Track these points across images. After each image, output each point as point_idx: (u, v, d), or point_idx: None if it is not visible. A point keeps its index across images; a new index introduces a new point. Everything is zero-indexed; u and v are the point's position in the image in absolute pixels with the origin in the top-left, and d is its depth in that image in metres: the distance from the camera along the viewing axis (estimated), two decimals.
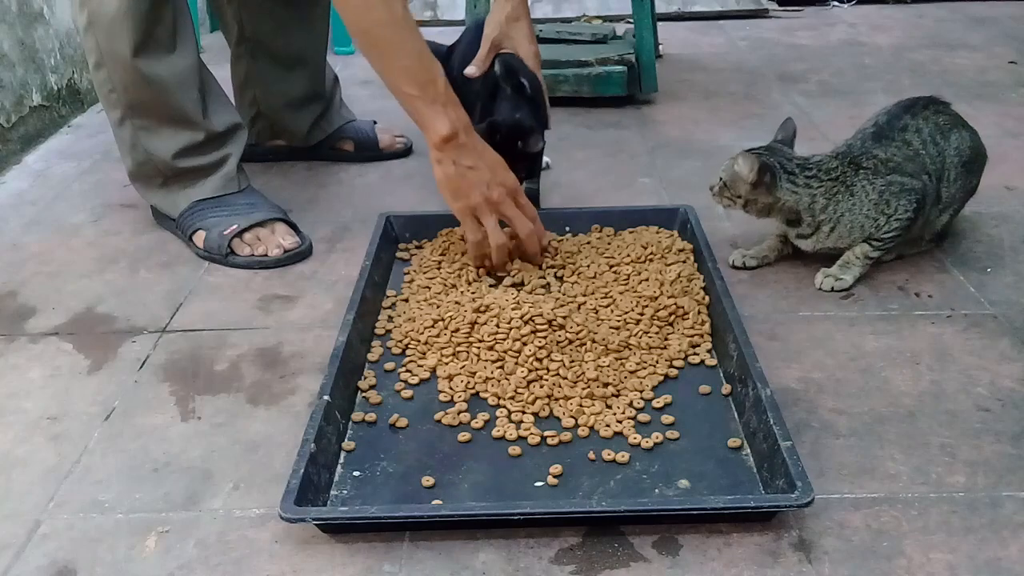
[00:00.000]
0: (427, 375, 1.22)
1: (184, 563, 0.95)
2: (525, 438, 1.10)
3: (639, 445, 1.08)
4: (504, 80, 1.57)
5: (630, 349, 1.25)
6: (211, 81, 1.61)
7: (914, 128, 1.43)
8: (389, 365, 1.25)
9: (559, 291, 1.37)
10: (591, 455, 1.07)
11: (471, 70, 1.60)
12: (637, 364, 1.22)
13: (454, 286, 1.41)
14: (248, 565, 0.94)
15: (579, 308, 1.32)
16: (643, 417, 1.13)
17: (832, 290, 1.41)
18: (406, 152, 1.98)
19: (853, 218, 1.39)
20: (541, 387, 1.17)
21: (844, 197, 1.39)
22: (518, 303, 1.28)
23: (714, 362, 1.24)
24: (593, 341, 1.24)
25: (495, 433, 1.11)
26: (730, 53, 2.77)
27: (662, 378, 1.20)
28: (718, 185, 1.44)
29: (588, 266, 1.44)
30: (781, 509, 0.96)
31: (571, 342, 1.24)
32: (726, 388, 1.18)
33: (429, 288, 1.41)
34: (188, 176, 1.59)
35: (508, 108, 1.54)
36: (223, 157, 1.60)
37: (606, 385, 1.18)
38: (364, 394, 1.19)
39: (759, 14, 3.20)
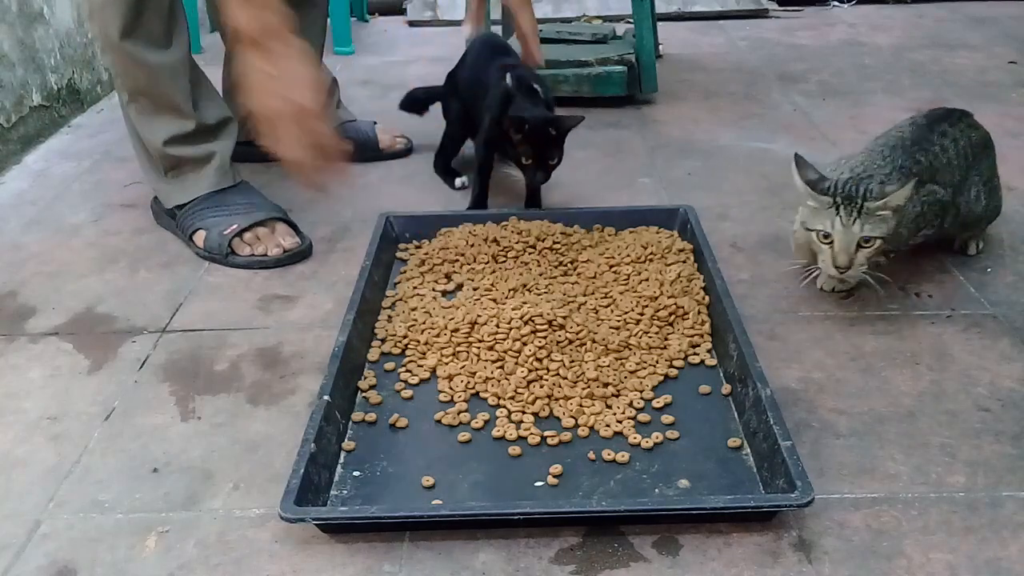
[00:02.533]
0: (427, 375, 1.22)
1: (184, 563, 0.95)
2: (525, 438, 1.10)
3: (639, 445, 1.08)
4: (517, 88, 1.61)
5: (630, 349, 1.25)
6: (202, 77, 1.63)
7: (952, 136, 1.40)
8: (389, 365, 1.25)
9: (560, 291, 1.37)
10: (591, 455, 1.07)
11: (465, 29, 1.61)
12: (637, 364, 1.22)
13: (453, 290, 1.41)
14: (248, 565, 0.94)
15: (579, 308, 1.32)
16: (643, 417, 1.13)
17: (833, 291, 1.40)
18: (406, 152, 1.98)
19: (900, 228, 1.30)
20: (541, 387, 1.17)
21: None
22: (518, 303, 1.28)
23: (714, 362, 1.24)
24: (593, 341, 1.24)
25: (495, 433, 1.11)
26: (730, 53, 2.77)
27: (662, 378, 1.20)
28: (870, 249, 1.26)
29: (588, 266, 1.44)
30: (781, 509, 0.96)
31: (571, 342, 1.24)
32: (726, 388, 1.18)
33: (427, 288, 1.41)
34: (181, 166, 1.60)
35: (528, 106, 1.59)
36: (214, 150, 1.61)
37: (606, 385, 1.17)
38: (364, 394, 1.19)
39: (759, 14, 3.21)
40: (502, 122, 1.57)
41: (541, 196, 1.68)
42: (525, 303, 1.29)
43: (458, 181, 1.80)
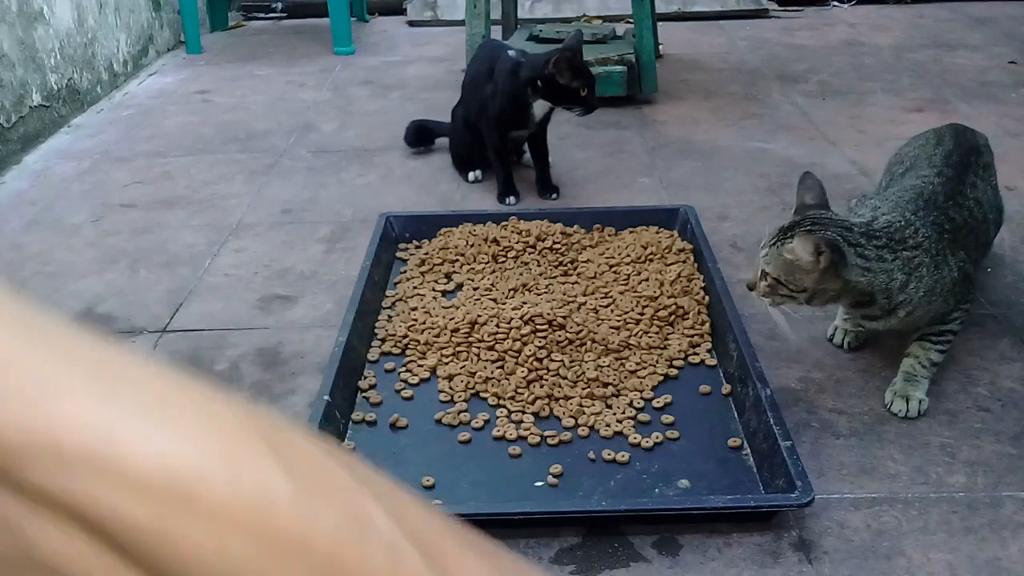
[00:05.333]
0: (427, 375, 1.22)
1: None
2: (525, 438, 1.10)
3: (639, 445, 1.08)
4: (522, 57, 1.70)
5: (630, 349, 1.25)
6: None
7: (979, 186, 1.26)
8: (389, 365, 1.25)
9: (560, 291, 1.37)
10: (591, 455, 1.07)
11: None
12: (637, 364, 1.22)
13: (453, 290, 1.41)
14: None
15: (579, 308, 1.32)
16: (643, 417, 1.13)
17: (905, 414, 1.14)
18: None
19: (932, 299, 1.13)
20: (541, 387, 1.17)
21: (928, 271, 1.11)
22: (518, 303, 1.28)
23: (714, 362, 1.24)
24: (593, 341, 1.24)
25: (495, 433, 1.11)
26: (730, 53, 2.77)
27: (662, 378, 1.20)
28: (765, 283, 1.11)
29: (588, 266, 1.44)
30: (781, 509, 0.96)
31: (571, 342, 1.24)
32: (726, 388, 1.18)
33: (427, 288, 1.41)
34: None
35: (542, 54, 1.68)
36: None
37: (606, 385, 1.17)
38: (364, 394, 1.19)
39: (759, 14, 3.21)
40: (545, 71, 1.60)
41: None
42: (525, 303, 1.29)
43: (471, 175, 1.81)
